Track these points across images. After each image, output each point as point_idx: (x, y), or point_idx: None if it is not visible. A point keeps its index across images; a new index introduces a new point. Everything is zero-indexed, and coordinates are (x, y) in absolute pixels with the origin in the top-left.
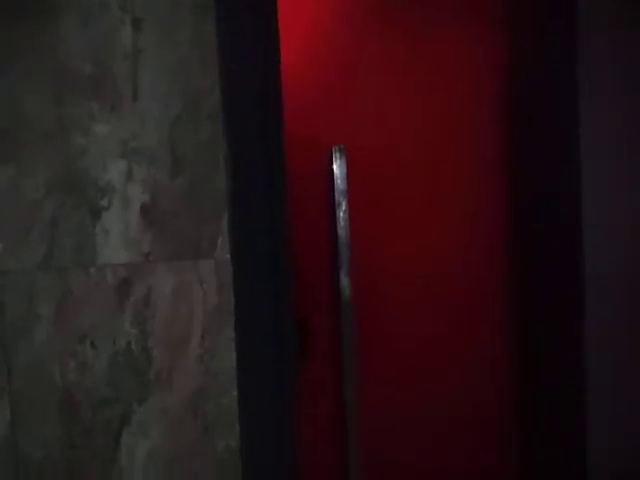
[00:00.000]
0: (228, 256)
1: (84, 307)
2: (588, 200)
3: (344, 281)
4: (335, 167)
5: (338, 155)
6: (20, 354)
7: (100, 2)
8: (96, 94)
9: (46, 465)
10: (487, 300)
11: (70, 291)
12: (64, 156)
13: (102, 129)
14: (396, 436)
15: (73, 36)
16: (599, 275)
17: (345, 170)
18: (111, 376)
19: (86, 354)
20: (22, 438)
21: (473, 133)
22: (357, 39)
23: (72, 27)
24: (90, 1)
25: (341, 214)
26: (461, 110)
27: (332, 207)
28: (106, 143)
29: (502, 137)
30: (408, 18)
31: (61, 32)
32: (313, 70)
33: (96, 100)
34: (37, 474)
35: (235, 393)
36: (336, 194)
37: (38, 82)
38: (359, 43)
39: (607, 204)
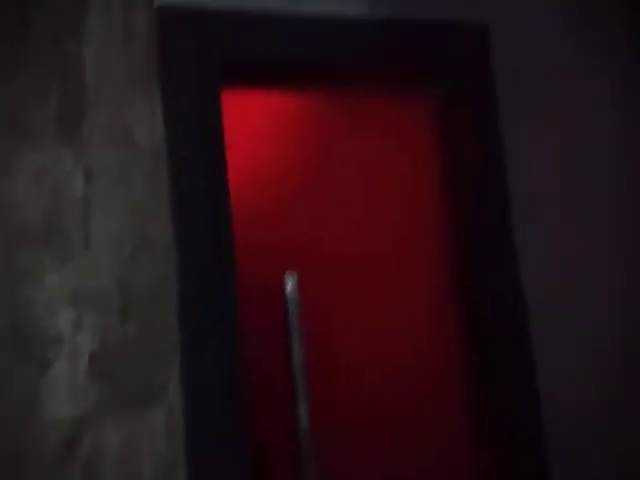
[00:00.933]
0: (179, 401)
1: (31, 463)
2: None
3: (301, 409)
4: (288, 292)
5: (290, 280)
6: None
7: (57, 156)
8: (48, 244)
9: None
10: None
11: (15, 450)
12: (11, 308)
13: (52, 278)
14: None
15: (26, 190)
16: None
17: (297, 294)
18: None
19: None
20: None
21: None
22: (302, 169)
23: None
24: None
25: (295, 340)
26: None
27: (286, 333)
28: (56, 292)
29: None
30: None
31: (15, 188)
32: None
33: (51, 260)
34: None
35: None
36: (289, 317)
37: None
38: (304, 173)
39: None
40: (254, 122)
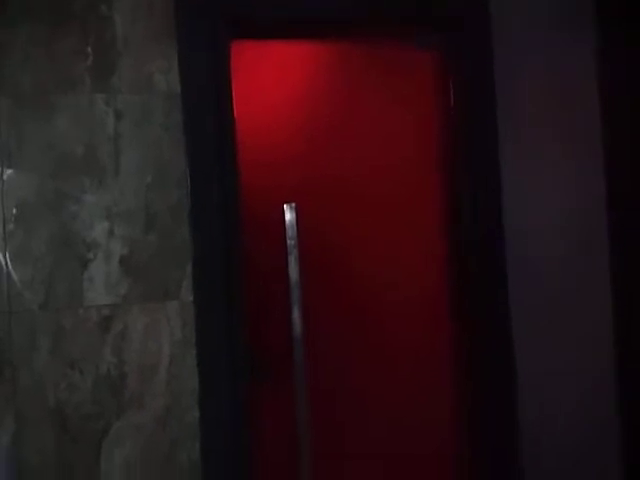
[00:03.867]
0: (191, 298)
1: (74, 340)
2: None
3: (295, 317)
4: (287, 220)
5: (289, 210)
6: (24, 377)
7: (92, 100)
8: (86, 171)
9: (42, 467)
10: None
11: (63, 327)
12: (60, 220)
13: (91, 198)
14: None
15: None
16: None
17: (295, 223)
18: (94, 396)
19: (75, 377)
20: (24, 447)
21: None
22: (309, 107)
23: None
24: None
25: (292, 258)
26: (404, 166)
27: (285, 254)
28: (93, 209)
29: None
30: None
31: (60, 126)
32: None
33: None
34: (35, 475)
35: (197, 413)
36: (288, 242)
37: (40, 163)
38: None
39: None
40: (264, 70)
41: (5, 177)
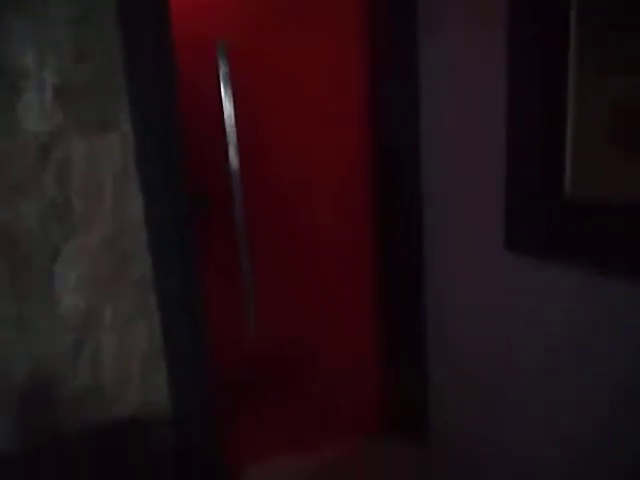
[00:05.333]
0: (130, 129)
1: (15, 166)
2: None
3: (232, 155)
4: (220, 61)
5: (222, 49)
6: None
7: None
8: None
9: None
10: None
11: (2, 153)
12: None
13: (19, 25)
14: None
15: None
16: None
17: (227, 62)
18: (41, 221)
19: (19, 203)
20: None
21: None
22: None
23: None
24: None
25: (227, 99)
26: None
27: (219, 93)
28: (21, 36)
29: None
30: None
31: None
32: None
33: (17, 11)
34: None
35: (144, 235)
36: (221, 81)
37: None
38: None
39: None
40: None
41: None
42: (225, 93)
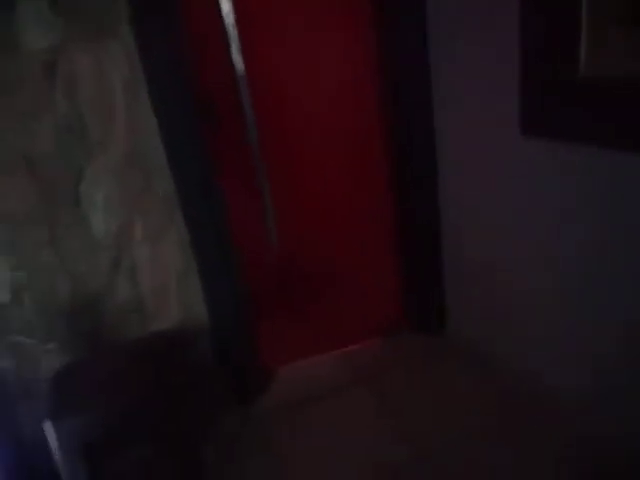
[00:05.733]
0: (132, 36)
1: (23, 89)
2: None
3: (236, 58)
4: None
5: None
6: None
7: None
8: None
9: (29, 218)
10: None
11: (7, 78)
12: None
13: None
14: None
15: None
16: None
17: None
18: (59, 144)
19: (34, 127)
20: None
21: None
22: None
23: None
24: None
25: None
26: None
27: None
28: None
29: None
30: None
31: None
32: None
33: None
34: (26, 225)
35: (162, 150)
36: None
37: None
38: None
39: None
40: None
41: None
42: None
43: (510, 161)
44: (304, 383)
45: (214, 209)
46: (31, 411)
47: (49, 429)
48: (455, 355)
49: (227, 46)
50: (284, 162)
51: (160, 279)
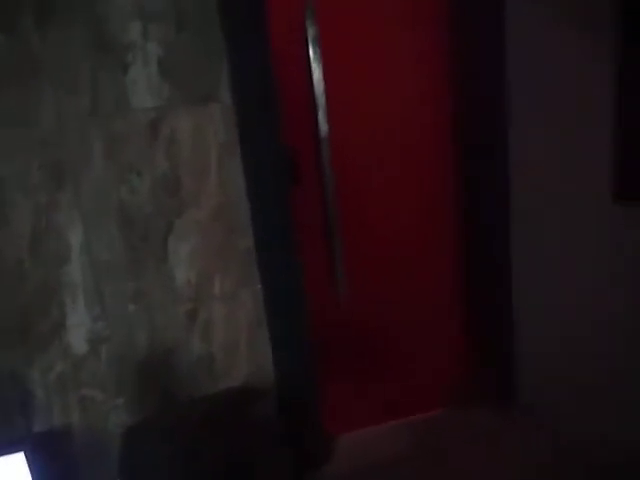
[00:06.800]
0: (230, 100)
1: (127, 144)
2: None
3: (322, 122)
4: (307, 23)
5: (310, 11)
6: (85, 182)
7: None
8: None
9: (114, 264)
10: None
11: (117, 133)
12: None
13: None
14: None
15: None
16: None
17: (316, 25)
18: (154, 197)
19: (133, 180)
20: (95, 245)
21: None
22: None
23: None
24: None
25: (315, 62)
26: None
27: (308, 60)
28: (125, 8)
29: None
30: None
31: None
32: None
33: None
34: (110, 270)
35: (247, 208)
36: (309, 44)
37: None
38: None
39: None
40: None
41: None
42: (314, 56)
43: (601, 227)
44: (366, 452)
45: (291, 267)
46: (98, 469)
47: None
48: (524, 429)
49: (315, 111)
50: (357, 221)
51: (232, 335)
